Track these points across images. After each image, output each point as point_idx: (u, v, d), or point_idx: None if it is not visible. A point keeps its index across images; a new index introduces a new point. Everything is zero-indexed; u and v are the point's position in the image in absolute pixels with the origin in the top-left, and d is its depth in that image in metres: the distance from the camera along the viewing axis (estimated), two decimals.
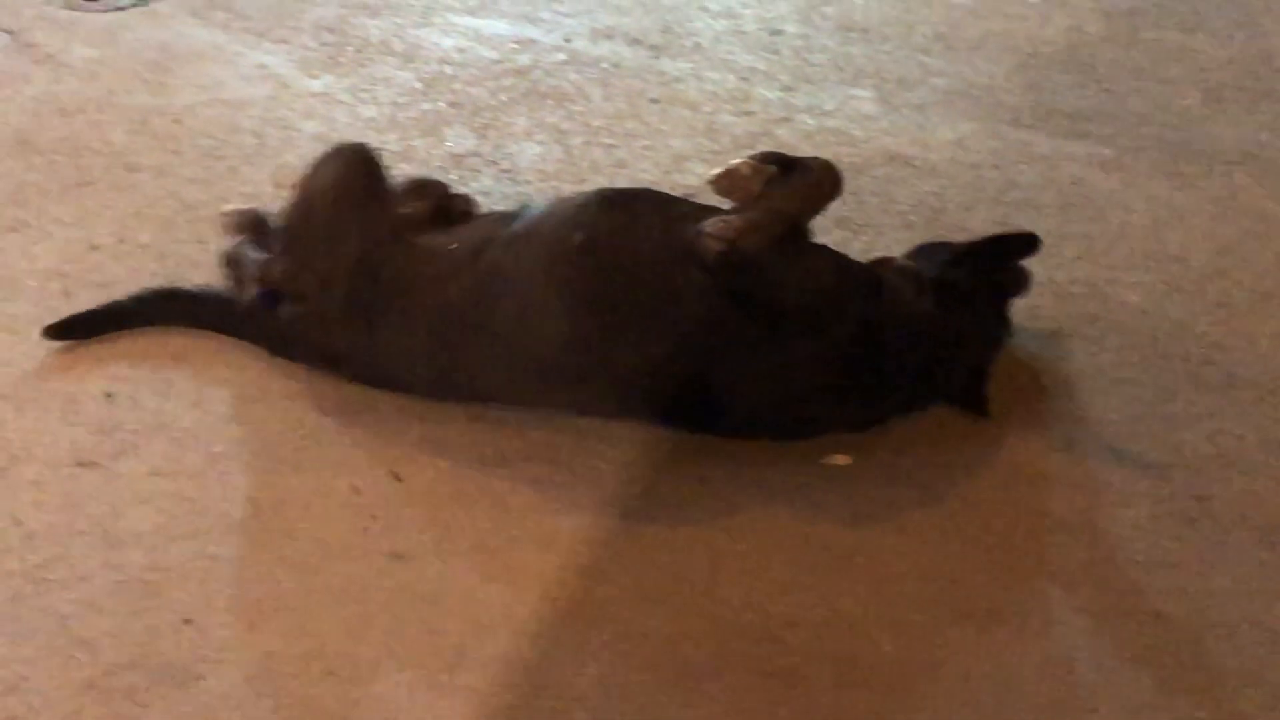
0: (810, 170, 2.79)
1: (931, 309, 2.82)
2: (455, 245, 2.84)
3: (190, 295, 3.07)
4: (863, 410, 2.83)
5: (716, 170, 2.76)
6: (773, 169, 2.76)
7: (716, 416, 2.77)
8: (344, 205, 2.90)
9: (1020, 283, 3.01)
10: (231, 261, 3.05)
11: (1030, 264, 3.24)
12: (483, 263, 2.78)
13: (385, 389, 2.88)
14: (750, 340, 2.69)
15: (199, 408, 2.87)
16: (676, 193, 3.10)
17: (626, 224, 2.74)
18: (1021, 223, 3.48)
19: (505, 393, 2.84)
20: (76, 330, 2.98)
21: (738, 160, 2.77)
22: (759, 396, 2.74)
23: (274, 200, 3.19)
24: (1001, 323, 2.98)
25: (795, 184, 2.76)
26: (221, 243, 3.11)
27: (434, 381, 2.85)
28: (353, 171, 2.94)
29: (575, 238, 2.71)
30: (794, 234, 2.75)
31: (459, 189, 3.12)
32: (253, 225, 3.11)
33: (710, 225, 2.69)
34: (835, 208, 2.89)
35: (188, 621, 2.45)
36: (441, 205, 3.04)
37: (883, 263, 2.93)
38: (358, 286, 2.82)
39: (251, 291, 2.93)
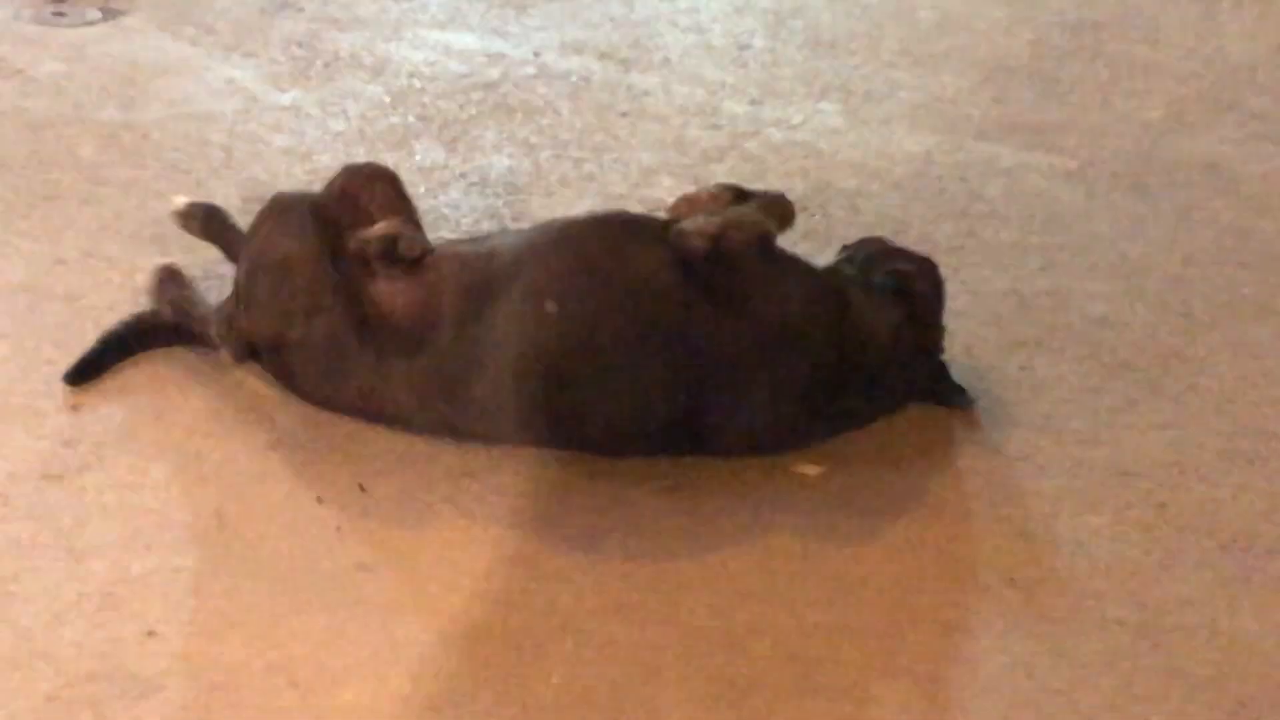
0: (767, 195, 2.89)
1: (891, 318, 2.84)
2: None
3: (188, 314, 3.04)
4: (840, 420, 2.86)
5: (676, 197, 2.88)
6: (730, 196, 2.86)
7: (708, 441, 2.80)
8: (295, 274, 2.86)
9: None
10: (176, 304, 3.06)
11: (995, 275, 3.28)
12: (460, 332, 2.76)
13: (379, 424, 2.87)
14: (738, 360, 2.71)
15: (164, 419, 2.87)
16: (645, 206, 3.12)
17: (597, 282, 2.73)
18: (986, 235, 3.50)
19: (497, 437, 2.84)
20: (92, 370, 2.94)
21: (698, 188, 2.89)
22: (750, 415, 2.77)
23: (240, 213, 3.21)
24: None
25: (756, 203, 2.84)
26: (153, 276, 3.11)
27: (427, 425, 2.85)
28: (299, 237, 2.87)
29: (548, 308, 2.72)
30: (768, 243, 2.78)
31: (412, 221, 2.97)
32: (205, 218, 3.16)
33: (690, 224, 2.73)
34: (802, 221, 2.97)
35: (151, 634, 2.45)
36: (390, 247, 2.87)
37: (832, 271, 2.95)
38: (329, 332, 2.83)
39: (229, 349, 2.93)
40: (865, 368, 2.83)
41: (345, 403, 2.84)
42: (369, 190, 2.89)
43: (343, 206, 2.87)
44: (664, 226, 2.79)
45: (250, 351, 2.92)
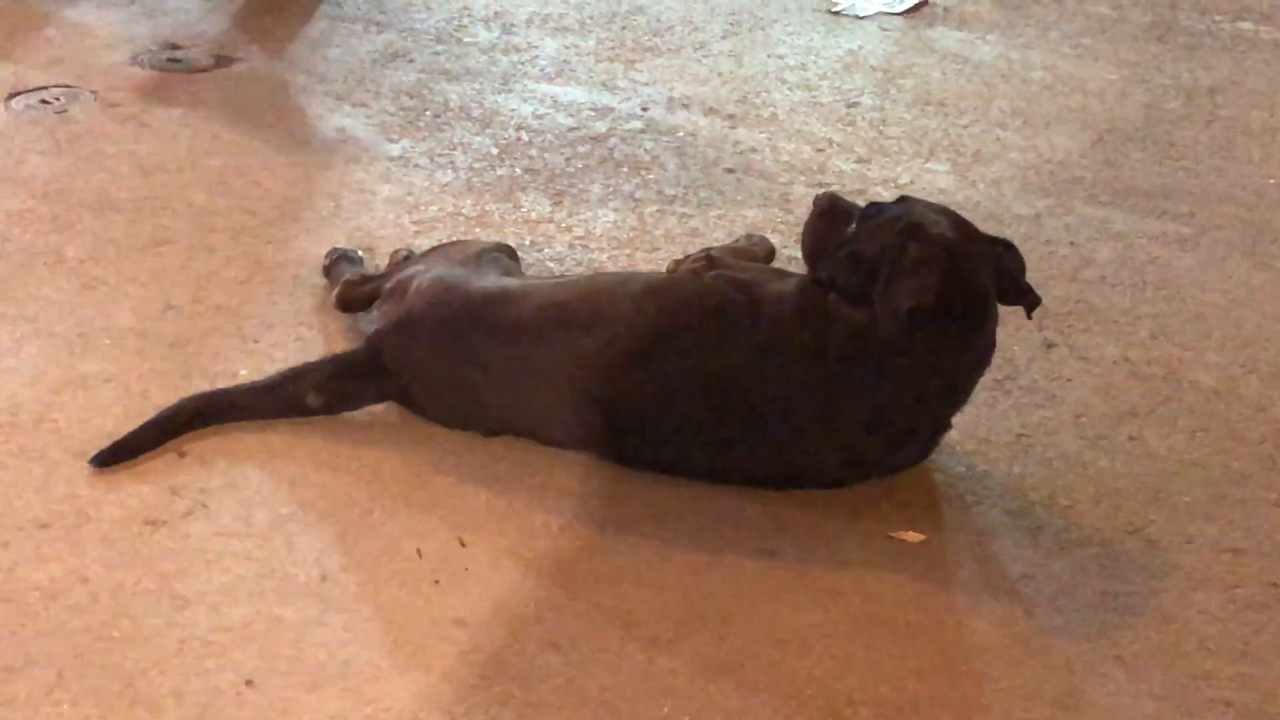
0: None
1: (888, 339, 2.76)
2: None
3: (225, 394, 3.03)
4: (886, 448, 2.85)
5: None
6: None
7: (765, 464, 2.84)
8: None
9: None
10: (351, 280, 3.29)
11: (1105, 341, 3.23)
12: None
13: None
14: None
15: (267, 469, 2.88)
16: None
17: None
18: (1096, 301, 3.46)
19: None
20: (125, 453, 2.90)
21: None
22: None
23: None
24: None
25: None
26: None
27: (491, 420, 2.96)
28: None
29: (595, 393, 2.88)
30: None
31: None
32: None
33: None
34: None
35: (249, 683, 2.45)
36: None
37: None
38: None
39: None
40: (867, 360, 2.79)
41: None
42: None
43: None
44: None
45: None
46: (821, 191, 3.00)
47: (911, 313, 2.69)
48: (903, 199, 2.90)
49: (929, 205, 2.88)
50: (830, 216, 2.89)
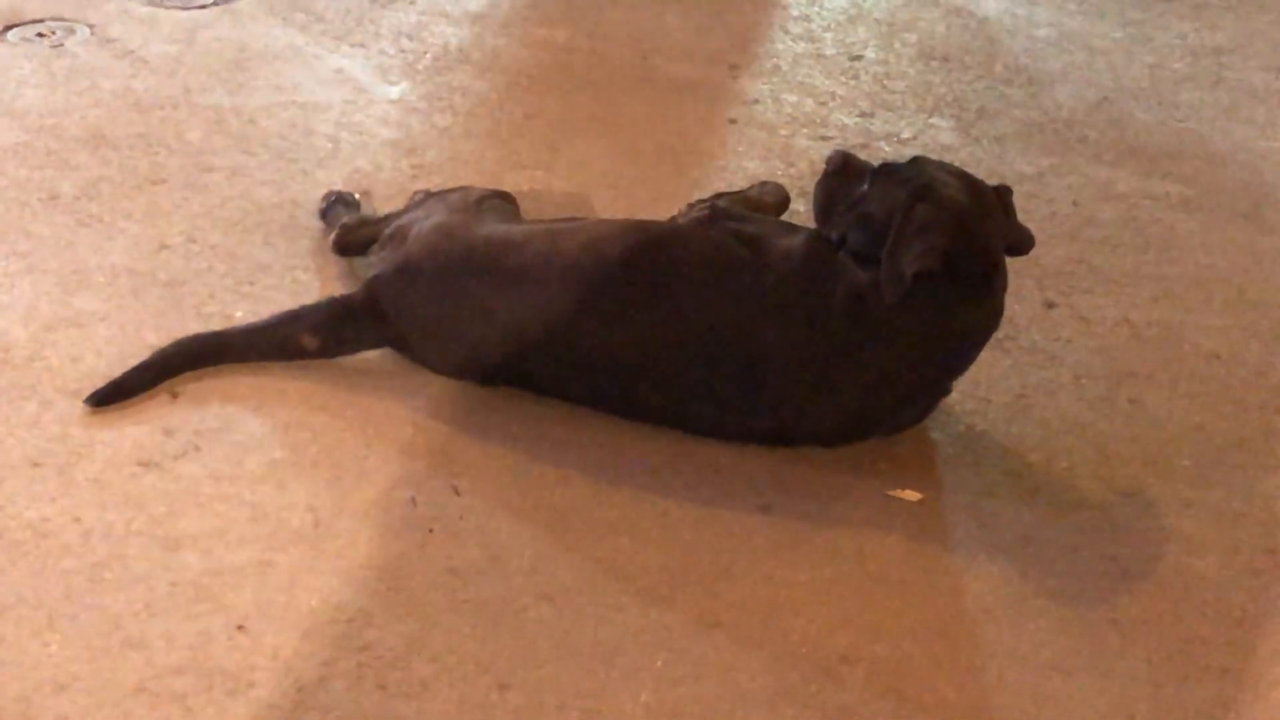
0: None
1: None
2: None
3: (220, 336, 3.00)
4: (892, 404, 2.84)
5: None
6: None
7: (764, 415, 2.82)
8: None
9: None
10: (347, 225, 3.28)
11: (1107, 303, 3.21)
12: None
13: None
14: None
15: (262, 412, 2.86)
16: None
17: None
18: (1098, 261, 3.44)
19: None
20: (119, 394, 2.87)
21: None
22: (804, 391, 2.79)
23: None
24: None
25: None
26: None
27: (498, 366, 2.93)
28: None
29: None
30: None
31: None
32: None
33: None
34: None
35: (241, 628, 2.44)
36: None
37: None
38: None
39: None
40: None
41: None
42: None
43: None
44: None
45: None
46: (835, 149, 2.96)
47: (917, 276, 2.67)
48: (916, 159, 2.87)
49: (942, 166, 2.86)
50: (842, 175, 2.87)
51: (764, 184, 3.34)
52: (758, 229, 2.90)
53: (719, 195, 3.22)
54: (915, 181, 2.75)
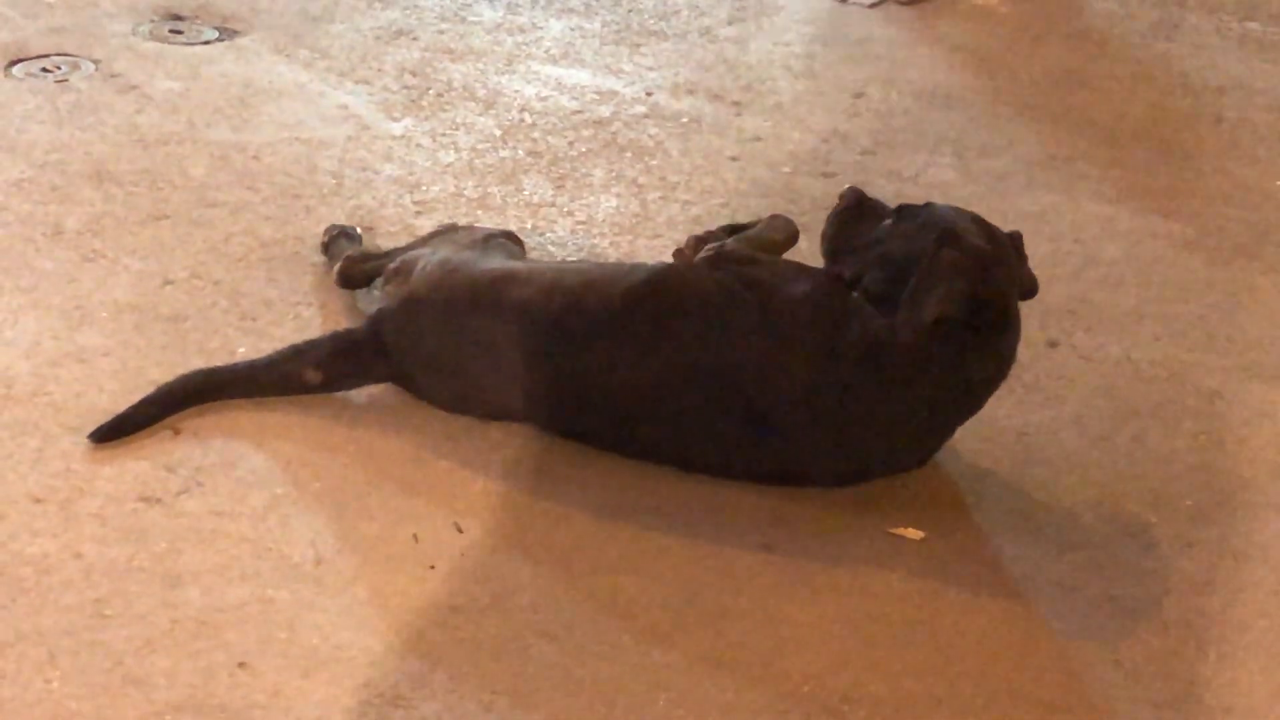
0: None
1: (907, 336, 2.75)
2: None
3: (224, 371, 3.01)
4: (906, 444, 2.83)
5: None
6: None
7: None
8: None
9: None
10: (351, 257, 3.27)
11: (1109, 341, 3.22)
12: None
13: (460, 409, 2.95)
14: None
15: (264, 448, 2.86)
16: None
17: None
18: (1099, 299, 3.44)
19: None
20: (123, 429, 2.87)
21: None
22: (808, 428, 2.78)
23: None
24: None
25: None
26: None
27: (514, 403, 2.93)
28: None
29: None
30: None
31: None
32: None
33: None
34: None
35: (242, 665, 2.43)
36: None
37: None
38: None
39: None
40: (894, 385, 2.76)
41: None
42: None
43: None
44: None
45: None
46: (849, 186, 2.96)
47: (938, 321, 2.68)
48: (929, 205, 2.88)
49: (960, 212, 2.86)
50: (856, 212, 2.87)
51: (773, 218, 3.23)
52: (765, 273, 2.87)
53: (727, 229, 3.16)
54: (939, 226, 2.76)
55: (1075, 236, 3.69)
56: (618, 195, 3.74)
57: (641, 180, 3.81)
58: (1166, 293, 3.50)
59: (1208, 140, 4.18)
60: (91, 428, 2.85)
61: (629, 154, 3.93)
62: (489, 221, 3.47)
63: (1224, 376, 3.23)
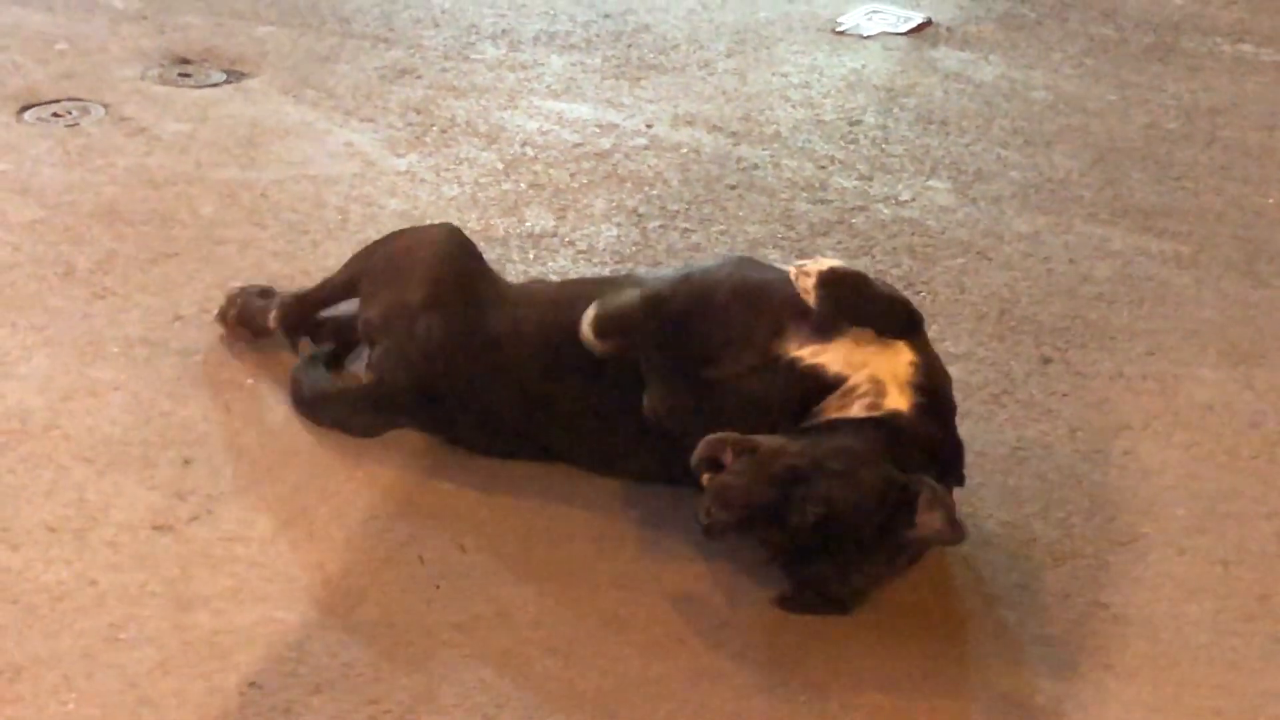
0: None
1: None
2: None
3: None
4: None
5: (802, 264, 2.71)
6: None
7: None
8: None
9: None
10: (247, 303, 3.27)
11: (1102, 357, 3.26)
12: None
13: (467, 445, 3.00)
14: None
15: (273, 474, 2.92)
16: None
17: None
18: (1093, 317, 3.49)
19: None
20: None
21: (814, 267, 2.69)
22: None
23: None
24: None
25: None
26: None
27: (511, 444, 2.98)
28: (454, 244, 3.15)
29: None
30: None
31: None
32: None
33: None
34: (908, 297, 2.90)
35: (253, 685, 2.49)
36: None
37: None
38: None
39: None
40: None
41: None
42: None
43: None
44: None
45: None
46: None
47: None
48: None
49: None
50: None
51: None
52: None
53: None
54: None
55: (1069, 256, 3.75)
56: (618, 225, 3.80)
57: (642, 210, 3.88)
58: (1159, 309, 3.55)
59: (1200, 160, 4.24)
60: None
61: (629, 184, 3.99)
62: (491, 255, 3.53)
63: (1215, 389, 3.28)
